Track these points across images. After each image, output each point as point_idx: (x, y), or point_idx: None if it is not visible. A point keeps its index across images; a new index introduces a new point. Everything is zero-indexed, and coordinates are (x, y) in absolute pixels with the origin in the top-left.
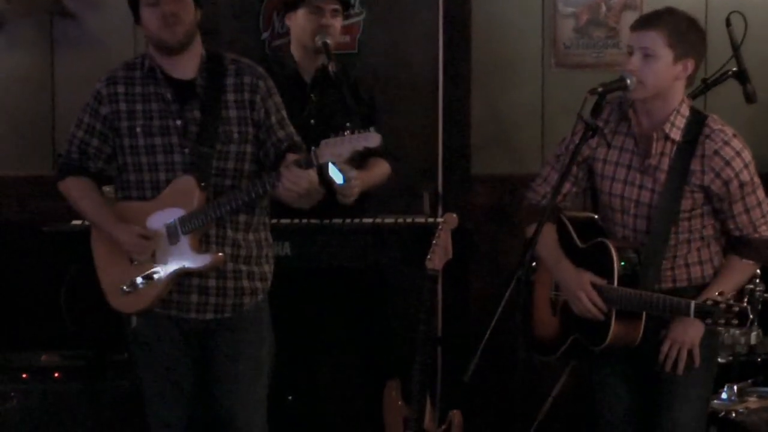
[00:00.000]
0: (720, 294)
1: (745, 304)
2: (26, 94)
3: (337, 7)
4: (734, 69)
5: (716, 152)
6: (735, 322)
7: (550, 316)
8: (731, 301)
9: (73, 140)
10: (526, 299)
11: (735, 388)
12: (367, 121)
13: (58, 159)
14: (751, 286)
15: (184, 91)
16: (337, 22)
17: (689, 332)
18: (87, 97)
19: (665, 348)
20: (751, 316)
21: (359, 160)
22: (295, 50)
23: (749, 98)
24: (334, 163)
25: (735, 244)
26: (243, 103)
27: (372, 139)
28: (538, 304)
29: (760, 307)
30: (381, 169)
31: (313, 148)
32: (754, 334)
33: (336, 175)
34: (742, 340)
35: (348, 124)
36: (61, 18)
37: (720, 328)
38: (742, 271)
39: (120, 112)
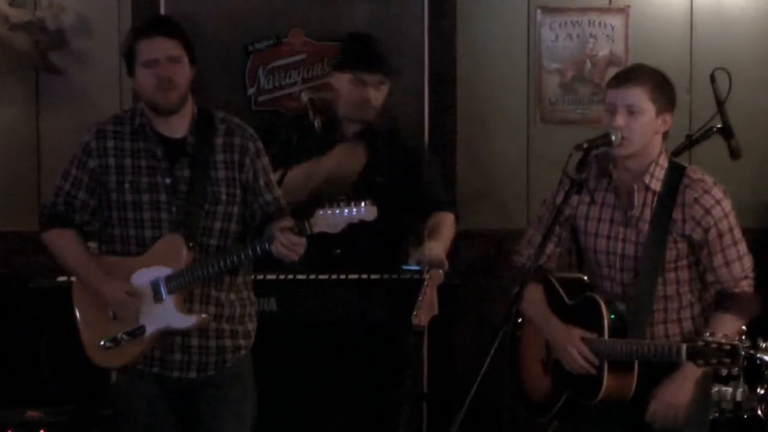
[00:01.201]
0: (711, 335)
1: (736, 342)
2: (12, 149)
3: (381, 79)
4: (719, 125)
5: (696, 200)
6: (727, 360)
7: (541, 375)
8: (722, 340)
9: (59, 192)
10: (513, 359)
11: None
12: (410, 172)
13: (42, 210)
14: (737, 343)
15: (174, 149)
16: (381, 92)
17: (678, 396)
18: (74, 149)
19: (653, 408)
20: (742, 353)
21: (423, 217)
22: (339, 107)
23: (734, 154)
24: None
25: (717, 299)
26: (232, 164)
27: (368, 212)
28: (529, 365)
29: (745, 363)
30: (448, 224)
31: (305, 220)
32: (740, 391)
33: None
34: (728, 396)
35: (379, 179)
36: (46, 74)
37: (711, 379)
38: (726, 326)
39: (108, 167)
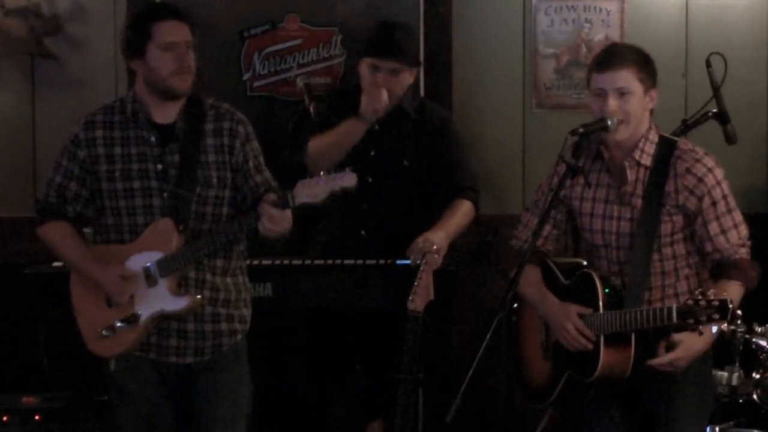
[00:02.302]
0: (700, 293)
1: (724, 296)
2: (7, 135)
3: (395, 66)
4: (714, 110)
5: (688, 170)
6: (716, 316)
7: (542, 360)
8: (711, 297)
9: (51, 184)
10: (512, 345)
11: (717, 429)
12: (436, 156)
13: (37, 204)
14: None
15: (164, 135)
16: (398, 81)
17: (696, 347)
18: (65, 141)
19: (670, 357)
20: (731, 306)
21: (442, 203)
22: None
23: (729, 139)
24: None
25: (719, 268)
26: (222, 147)
27: (348, 178)
28: (529, 350)
29: (741, 348)
30: (461, 213)
31: (288, 191)
32: (735, 375)
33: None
34: (724, 381)
35: (405, 162)
36: (42, 59)
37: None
38: (731, 293)
39: (98, 156)
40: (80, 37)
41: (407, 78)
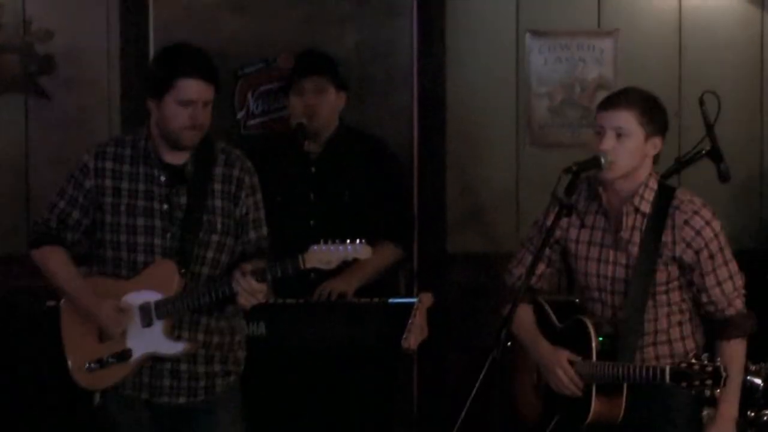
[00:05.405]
0: (694, 356)
1: (717, 363)
2: (0, 173)
3: (318, 82)
4: (708, 148)
5: (686, 222)
6: (709, 382)
7: (534, 400)
8: (705, 362)
9: (53, 209)
10: (506, 384)
11: None
12: (378, 190)
13: (34, 226)
14: (719, 365)
15: (173, 176)
16: (323, 99)
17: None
18: (68, 171)
19: None
20: (723, 374)
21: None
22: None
23: (723, 177)
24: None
25: (718, 329)
26: (229, 195)
27: (363, 251)
28: (523, 390)
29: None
30: (381, 256)
31: (299, 255)
32: None
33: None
34: None
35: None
36: (36, 98)
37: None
38: (737, 352)
39: (105, 188)
40: (74, 77)
41: (333, 98)
